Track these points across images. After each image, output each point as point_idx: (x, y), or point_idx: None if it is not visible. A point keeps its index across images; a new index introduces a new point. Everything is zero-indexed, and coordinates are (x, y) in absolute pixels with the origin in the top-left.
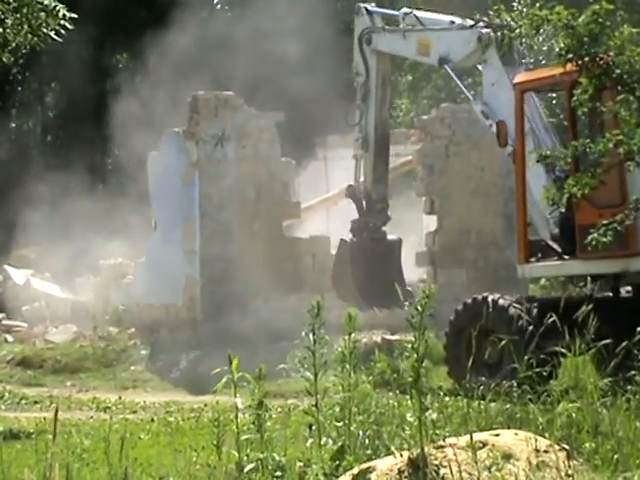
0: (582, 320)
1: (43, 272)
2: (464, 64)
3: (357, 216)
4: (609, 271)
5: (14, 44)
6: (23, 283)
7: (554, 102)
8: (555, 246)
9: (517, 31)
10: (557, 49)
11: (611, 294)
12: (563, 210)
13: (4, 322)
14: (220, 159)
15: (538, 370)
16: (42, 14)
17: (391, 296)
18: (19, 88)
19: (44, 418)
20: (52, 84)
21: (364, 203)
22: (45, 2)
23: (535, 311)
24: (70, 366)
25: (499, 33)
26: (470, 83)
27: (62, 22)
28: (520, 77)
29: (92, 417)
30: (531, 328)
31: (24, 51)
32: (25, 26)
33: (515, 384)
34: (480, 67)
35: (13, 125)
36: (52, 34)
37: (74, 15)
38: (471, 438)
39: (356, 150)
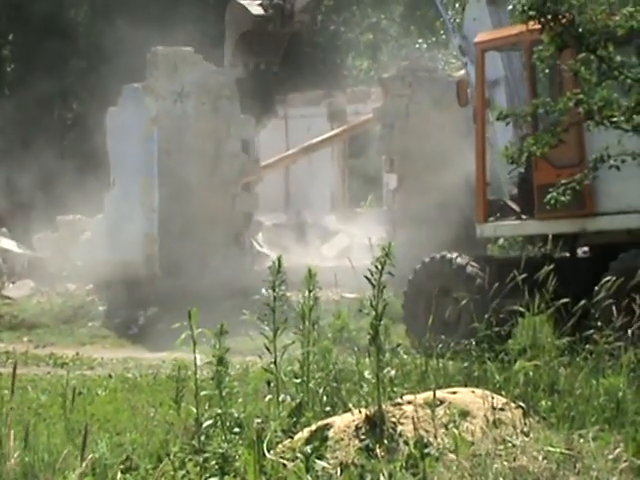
0: (540, 280)
1: None
2: None
3: None
4: (566, 231)
5: None
6: None
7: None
8: (514, 206)
9: None
10: (519, 6)
11: (568, 254)
12: (522, 170)
13: None
14: (179, 115)
15: (496, 329)
16: None
17: None
18: None
19: (0, 373)
20: (9, 36)
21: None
22: None
23: (493, 270)
24: (27, 322)
25: None
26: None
27: None
28: (480, 37)
29: (49, 373)
30: (488, 287)
31: None
32: None
33: (473, 343)
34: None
35: None
36: None
37: None
38: (434, 395)
39: None
